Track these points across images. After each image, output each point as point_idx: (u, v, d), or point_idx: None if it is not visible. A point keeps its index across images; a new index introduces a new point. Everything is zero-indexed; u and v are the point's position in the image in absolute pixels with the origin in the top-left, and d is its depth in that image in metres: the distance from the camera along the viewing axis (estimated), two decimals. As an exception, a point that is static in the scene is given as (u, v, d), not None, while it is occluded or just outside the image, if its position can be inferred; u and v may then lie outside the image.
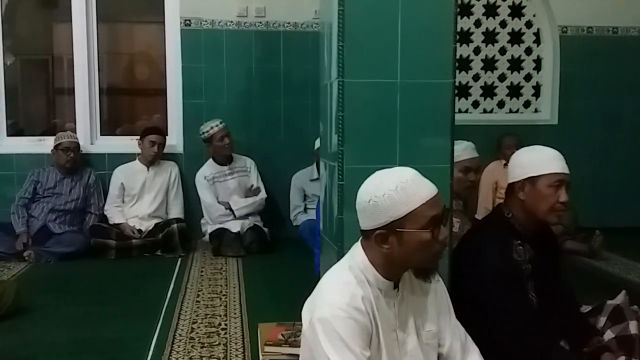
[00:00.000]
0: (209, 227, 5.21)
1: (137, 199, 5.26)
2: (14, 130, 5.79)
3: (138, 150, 5.31)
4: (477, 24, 6.03)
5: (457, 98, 5.63)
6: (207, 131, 5.23)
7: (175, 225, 5.01)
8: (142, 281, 4.28)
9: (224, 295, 3.93)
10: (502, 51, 6.07)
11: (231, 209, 5.19)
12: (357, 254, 1.85)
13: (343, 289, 1.77)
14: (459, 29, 5.68)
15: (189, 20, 5.51)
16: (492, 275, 2.24)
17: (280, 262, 4.84)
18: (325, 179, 2.69)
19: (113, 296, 3.93)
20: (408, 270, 1.87)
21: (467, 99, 6.08)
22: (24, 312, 3.51)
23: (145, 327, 3.29)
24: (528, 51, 6.09)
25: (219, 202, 5.24)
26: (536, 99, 6.15)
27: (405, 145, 2.35)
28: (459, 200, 3.12)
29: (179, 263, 4.72)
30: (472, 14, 6.00)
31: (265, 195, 5.36)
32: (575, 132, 5.90)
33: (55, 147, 5.11)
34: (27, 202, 5.05)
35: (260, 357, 2.81)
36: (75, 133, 5.41)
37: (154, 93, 6.44)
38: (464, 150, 3.10)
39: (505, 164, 3.70)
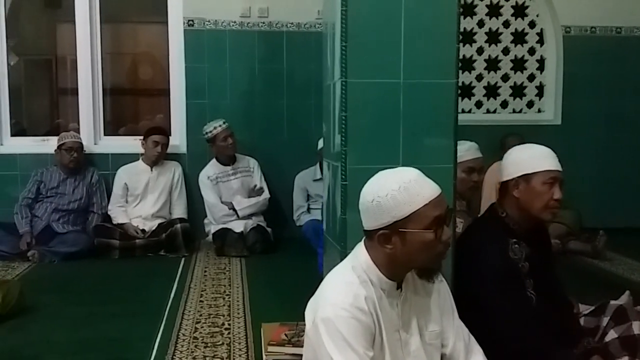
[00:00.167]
0: (212, 227, 5.22)
1: (141, 199, 5.27)
2: (18, 130, 5.81)
3: (141, 151, 5.32)
4: (481, 24, 6.02)
5: (460, 98, 5.62)
6: (211, 131, 5.23)
7: (178, 225, 5.01)
8: (145, 281, 4.29)
9: (227, 295, 3.93)
10: (506, 51, 6.07)
11: (234, 209, 5.20)
12: (360, 254, 1.85)
13: (346, 289, 1.77)
14: (462, 29, 5.67)
15: (192, 21, 5.52)
16: (490, 276, 2.24)
17: (284, 262, 4.84)
18: (328, 179, 2.69)
19: (117, 296, 3.94)
20: (411, 271, 1.87)
21: (470, 99, 6.08)
22: (27, 311, 3.52)
23: (149, 327, 3.30)
24: (531, 51, 6.08)
25: (222, 202, 5.24)
26: (539, 99, 6.14)
27: (408, 145, 2.35)
28: (463, 201, 3.12)
29: (182, 263, 4.73)
30: (475, 14, 6.00)
31: (268, 196, 5.37)
32: (579, 132, 5.89)
33: (59, 147, 5.12)
34: (30, 202, 5.06)
35: (264, 357, 2.81)
36: (79, 133, 5.42)
37: (157, 93, 6.45)
38: (467, 150, 3.10)
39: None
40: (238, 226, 5.11)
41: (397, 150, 2.34)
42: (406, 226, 1.75)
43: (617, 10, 5.91)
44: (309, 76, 5.37)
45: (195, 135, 5.45)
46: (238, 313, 3.57)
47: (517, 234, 2.35)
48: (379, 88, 2.33)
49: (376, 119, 2.34)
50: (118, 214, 5.18)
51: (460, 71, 5.64)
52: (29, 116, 6.57)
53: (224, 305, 3.72)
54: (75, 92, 5.68)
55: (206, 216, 5.32)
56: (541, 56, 6.08)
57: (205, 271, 4.51)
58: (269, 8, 5.56)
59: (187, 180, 5.46)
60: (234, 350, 3.00)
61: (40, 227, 4.97)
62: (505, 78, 6.10)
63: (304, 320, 1.86)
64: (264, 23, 5.58)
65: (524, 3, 6.02)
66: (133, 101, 7.23)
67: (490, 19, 6.03)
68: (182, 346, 3.05)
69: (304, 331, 1.94)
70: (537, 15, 6.02)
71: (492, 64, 6.08)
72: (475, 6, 5.98)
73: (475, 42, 6.02)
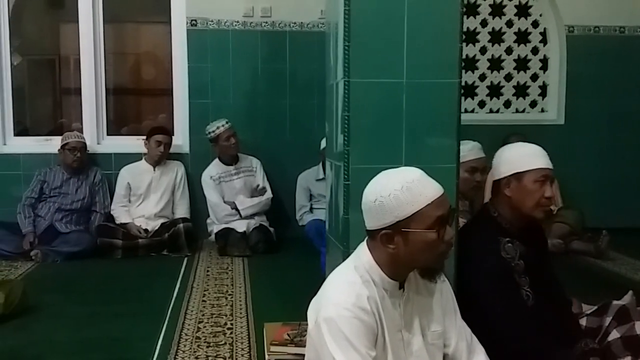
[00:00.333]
0: (215, 227, 5.22)
1: (144, 198, 5.27)
2: (21, 129, 5.81)
3: (144, 150, 5.33)
4: (484, 23, 6.01)
5: (463, 98, 5.59)
6: (213, 131, 5.23)
7: (181, 225, 5.01)
8: (148, 281, 4.29)
9: (229, 294, 3.93)
10: (509, 51, 6.06)
11: (237, 209, 5.20)
12: (362, 254, 1.85)
13: (349, 288, 1.77)
14: (465, 29, 5.67)
15: (195, 20, 5.52)
16: (483, 276, 2.25)
17: (286, 262, 4.84)
18: (331, 179, 2.69)
19: (119, 296, 3.94)
20: (414, 271, 1.87)
21: (473, 98, 6.07)
22: (30, 311, 3.52)
23: (152, 327, 3.30)
24: (534, 51, 6.07)
25: (225, 202, 5.24)
26: (543, 99, 6.13)
27: (411, 145, 2.34)
28: (465, 201, 3.12)
29: (185, 263, 4.73)
30: (478, 14, 5.99)
31: (271, 195, 5.37)
32: (582, 131, 5.88)
33: (62, 147, 5.13)
34: (33, 201, 5.07)
35: (266, 356, 2.81)
36: (82, 133, 5.43)
37: (160, 93, 6.45)
38: (470, 150, 3.10)
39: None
40: (241, 226, 5.11)
41: (400, 150, 2.34)
42: (409, 226, 1.75)
43: (620, 9, 5.89)
44: (311, 76, 5.37)
45: (198, 135, 5.45)
46: (240, 313, 3.57)
47: (510, 233, 2.35)
48: (382, 88, 2.33)
49: (379, 119, 2.34)
50: (121, 214, 5.19)
51: (463, 71, 5.61)
52: (32, 116, 6.57)
53: (226, 305, 3.72)
54: (78, 91, 5.68)
55: (209, 216, 5.32)
56: (544, 56, 6.07)
57: (207, 271, 4.52)
58: (272, 8, 5.56)
59: (190, 180, 5.47)
60: (236, 350, 3.00)
61: (43, 226, 4.98)
62: (508, 78, 6.09)
63: (306, 320, 1.86)
64: (266, 23, 5.58)
65: (527, 2, 6.01)
66: (136, 101, 7.23)
67: (493, 18, 6.02)
68: (185, 346, 3.05)
69: (306, 331, 1.94)
70: (541, 15, 6.02)
71: (495, 64, 6.07)
72: (479, 5, 5.97)
73: (478, 41, 6.01)
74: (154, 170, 5.31)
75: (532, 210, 2.33)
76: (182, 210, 5.34)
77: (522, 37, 6.05)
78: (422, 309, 1.91)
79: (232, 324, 3.37)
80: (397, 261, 1.80)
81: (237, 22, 5.56)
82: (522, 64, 6.08)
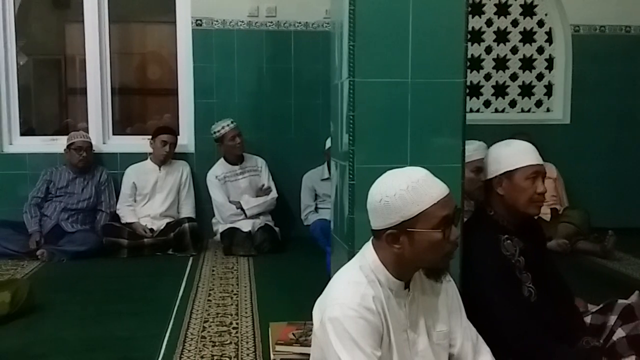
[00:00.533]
0: (220, 227, 5.22)
1: (149, 198, 5.28)
2: (27, 129, 5.83)
3: (150, 150, 5.34)
4: (489, 23, 6.00)
5: (468, 97, 5.61)
6: (219, 131, 5.24)
7: (186, 225, 5.02)
8: (154, 280, 4.30)
9: (235, 294, 3.94)
10: (514, 50, 6.05)
11: (242, 209, 5.20)
12: (368, 253, 1.85)
13: (354, 288, 1.77)
14: (470, 28, 5.65)
15: (200, 20, 5.53)
16: (484, 274, 2.25)
17: (291, 261, 4.84)
18: (336, 178, 2.69)
19: (125, 295, 3.94)
20: (419, 271, 1.87)
21: (478, 98, 6.06)
22: (36, 310, 3.53)
23: (157, 326, 3.31)
24: (540, 50, 6.05)
25: (230, 202, 5.25)
26: (548, 98, 6.11)
27: (416, 144, 2.35)
28: (471, 201, 3.11)
29: (190, 262, 4.74)
30: (483, 13, 5.98)
31: (276, 195, 5.37)
32: (588, 131, 5.86)
33: (68, 146, 5.14)
34: (39, 201, 5.08)
35: (272, 356, 2.82)
36: (88, 133, 5.44)
37: (165, 93, 6.46)
38: (475, 150, 3.10)
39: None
40: (246, 225, 5.12)
41: (405, 150, 2.34)
42: (414, 226, 1.75)
43: (626, 9, 5.88)
44: (316, 75, 5.37)
45: (203, 134, 5.46)
46: (246, 312, 3.58)
47: (507, 230, 2.36)
48: (387, 87, 2.33)
49: (384, 119, 2.34)
50: (126, 213, 5.20)
51: (469, 70, 5.63)
52: (38, 116, 6.60)
53: (231, 304, 3.73)
54: (84, 91, 5.69)
55: (214, 215, 5.33)
56: (550, 55, 6.06)
57: (213, 270, 4.52)
58: (277, 7, 5.56)
59: (195, 179, 5.47)
60: (241, 349, 3.01)
61: (50, 226, 4.99)
62: (513, 77, 6.08)
63: (311, 320, 1.86)
64: (271, 22, 5.59)
65: (532, 2, 5.99)
66: (141, 101, 7.25)
67: (498, 17, 6.00)
68: (190, 345, 3.05)
69: (311, 331, 1.94)
70: (546, 14, 6.00)
71: (501, 63, 6.06)
72: (484, 5, 5.96)
73: (483, 41, 6.00)
74: (160, 169, 5.32)
75: (526, 207, 2.34)
76: (187, 209, 5.34)
77: (528, 37, 6.03)
78: (427, 309, 1.90)
79: (237, 324, 3.37)
80: (403, 261, 1.80)
81: (242, 21, 5.56)
82: (527, 64, 6.07)
